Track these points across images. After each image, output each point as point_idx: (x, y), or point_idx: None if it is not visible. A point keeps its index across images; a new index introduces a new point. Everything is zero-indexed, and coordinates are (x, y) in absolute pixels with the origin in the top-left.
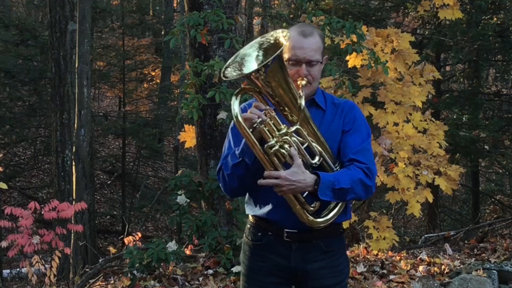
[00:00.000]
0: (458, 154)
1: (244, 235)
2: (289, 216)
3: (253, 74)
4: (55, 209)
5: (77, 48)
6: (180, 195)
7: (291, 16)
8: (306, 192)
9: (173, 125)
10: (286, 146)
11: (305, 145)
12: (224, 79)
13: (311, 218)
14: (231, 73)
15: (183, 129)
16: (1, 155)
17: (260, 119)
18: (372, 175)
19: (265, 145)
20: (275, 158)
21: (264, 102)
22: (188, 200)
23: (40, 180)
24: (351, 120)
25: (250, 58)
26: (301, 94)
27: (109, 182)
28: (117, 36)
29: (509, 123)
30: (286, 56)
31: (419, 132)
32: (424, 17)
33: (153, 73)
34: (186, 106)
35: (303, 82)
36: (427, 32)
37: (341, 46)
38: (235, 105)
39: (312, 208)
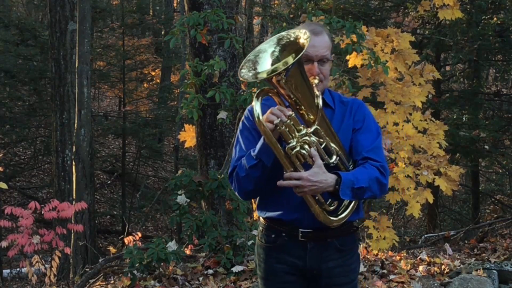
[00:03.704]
0: (458, 154)
1: (257, 238)
2: (303, 216)
3: (274, 76)
4: (55, 209)
5: (77, 48)
6: (180, 195)
7: (291, 16)
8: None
9: (173, 125)
10: (306, 146)
11: (323, 144)
12: (241, 79)
13: (328, 216)
14: (247, 73)
15: (183, 129)
16: (1, 155)
17: (280, 120)
18: (387, 173)
19: (287, 147)
20: (296, 159)
21: (281, 102)
22: (188, 200)
23: (40, 180)
24: (361, 118)
25: (265, 55)
26: (318, 93)
27: (109, 182)
28: (117, 36)
29: (509, 123)
30: None
31: (419, 132)
32: (424, 17)
33: (153, 73)
34: (186, 106)
35: (316, 81)
36: (427, 32)
37: (341, 46)
38: (257, 106)
39: (330, 208)
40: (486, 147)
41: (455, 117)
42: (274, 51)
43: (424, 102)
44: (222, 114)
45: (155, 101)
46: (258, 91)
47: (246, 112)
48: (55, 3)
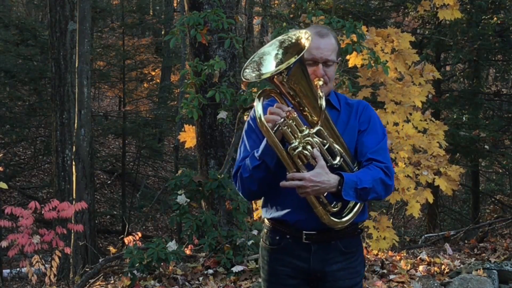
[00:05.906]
0: (458, 154)
1: (261, 240)
2: (307, 217)
3: (276, 76)
4: (55, 208)
5: (77, 48)
6: (180, 195)
7: (291, 16)
8: (326, 193)
9: (173, 125)
10: (309, 147)
11: (327, 146)
12: (244, 80)
13: (332, 218)
14: (250, 74)
15: (183, 129)
16: (1, 155)
17: (282, 120)
18: (391, 174)
19: (289, 147)
20: (298, 160)
21: (284, 103)
22: (188, 200)
23: (40, 180)
24: (366, 120)
25: (269, 57)
26: (321, 95)
27: (109, 182)
28: (117, 36)
29: (509, 123)
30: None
31: (419, 132)
32: (424, 17)
33: (153, 73)
34: (186, 106)
35: (320, 83)
36: (427, 32)
37: (341, 46)
38: (259, 107)
39: (334, 209)
40: (486, 147)
41: (455, 117)
42: (277, 54)
43: (424, 102)
44: (222, 114)
45: (155, 101)
46: (260, 92)
47: (251, 112)
48: (55, 3)
